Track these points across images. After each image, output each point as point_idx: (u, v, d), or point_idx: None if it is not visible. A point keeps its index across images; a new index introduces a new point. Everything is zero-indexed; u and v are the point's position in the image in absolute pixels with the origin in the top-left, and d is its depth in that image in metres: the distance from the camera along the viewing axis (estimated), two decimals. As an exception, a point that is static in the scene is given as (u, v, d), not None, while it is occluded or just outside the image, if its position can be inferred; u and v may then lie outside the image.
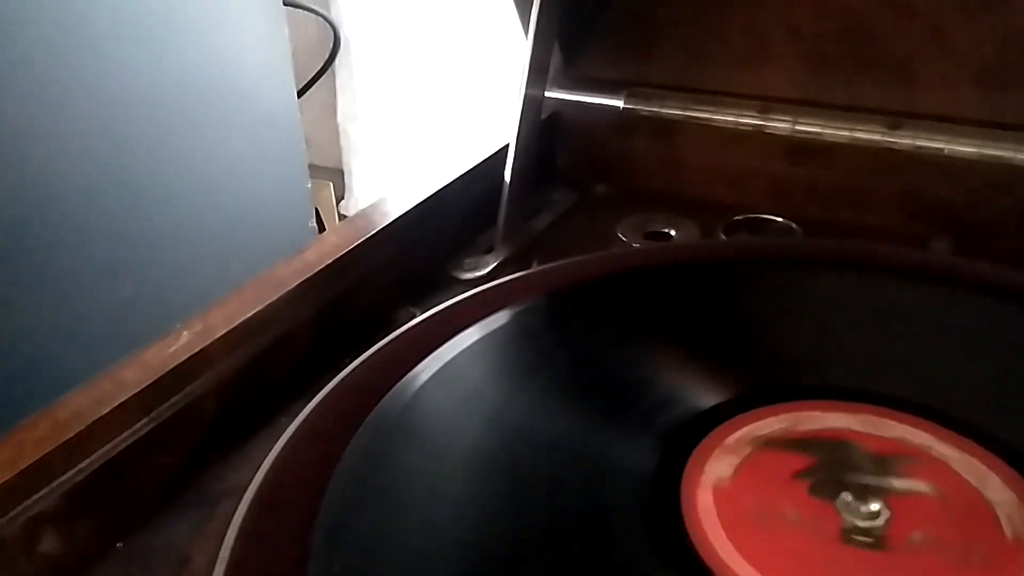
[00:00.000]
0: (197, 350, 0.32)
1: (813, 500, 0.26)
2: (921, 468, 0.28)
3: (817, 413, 0.30)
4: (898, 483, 0.27)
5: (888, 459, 0.28)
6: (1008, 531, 0.26)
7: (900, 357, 0.34)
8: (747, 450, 0.28)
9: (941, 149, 0.45)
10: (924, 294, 0.37)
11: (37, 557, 0.27)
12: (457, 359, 0.32)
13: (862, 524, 0.26)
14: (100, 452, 0.29)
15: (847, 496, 0.26)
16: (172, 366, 0.31)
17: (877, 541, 0.25)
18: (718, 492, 0.26)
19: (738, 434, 0.28)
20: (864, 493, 0.26)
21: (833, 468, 0.27)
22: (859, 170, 0.48)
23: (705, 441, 0.29)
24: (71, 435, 0.28)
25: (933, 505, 0.27)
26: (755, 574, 0.24)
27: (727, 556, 0.24)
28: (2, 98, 0.56)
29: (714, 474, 0.27)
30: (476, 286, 0.39)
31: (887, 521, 0.26)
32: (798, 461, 0.28)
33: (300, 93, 0.84)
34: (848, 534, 0.25)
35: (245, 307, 0.35)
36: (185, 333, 0.33)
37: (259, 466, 0.28)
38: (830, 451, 0.28)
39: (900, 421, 0.30)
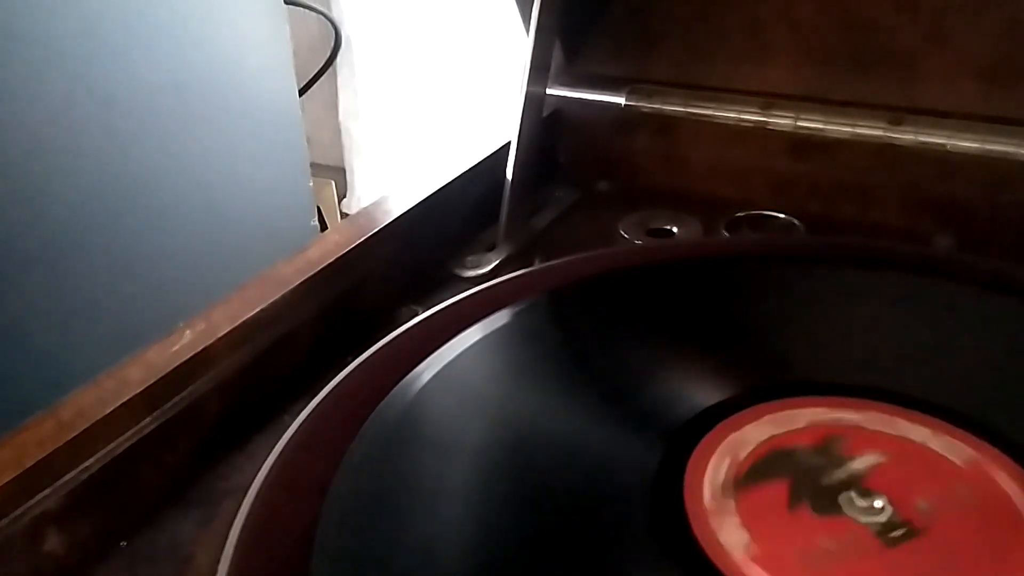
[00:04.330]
0: (200, 349, 0.32)
1: (826, 519, 0.26)
2: (853, 441, 0.29)
3: (737, 434, 0.30)
4: (857, 464, 0.28)
5: (825, 447, 0.29)
6: (957, 460, 0.28)
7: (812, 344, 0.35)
8: (731, 504, 0.27)
9: (943, 145, 0.45)
10: (926, 290, 0.37)
11: (41, 556, 0.27)
12: (460, 357, 0.32)
13: (883, 520, 0.26)
14: (103, 451, 0.29)
15: (849, 499, 0.26)
16: (175, 365, 0.31)
17: (909, 530, 0.25)
18: (761, 560, 0.25)
19: (708, 491, 0.27)
20: (851, 491, 0.27)
21: (806, 480, 0.28)
22: (861, 166, 0.48)
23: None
24: (74, 434, 0.28)
25: (897, 469, 0.28)
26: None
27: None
28: (3, 98, 0.56)
29: (738, 545, 0.26)
30: (478, 284, 0.39)
31: (892, 505, 0.26)
32: (776, 490, 0.27)
33: (302, 91, 0.84)
34: (884, 535, 0.26)
35: (247, 306, 0.35)
36: (188, 332, 0.33)
37: (262, 465, 0.28)
38: (785, 466, 0.28)
39: (795, 407, 0.30)
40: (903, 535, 0.25)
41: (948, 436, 0.29)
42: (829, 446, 0.29)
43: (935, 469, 0.28)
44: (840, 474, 0.28)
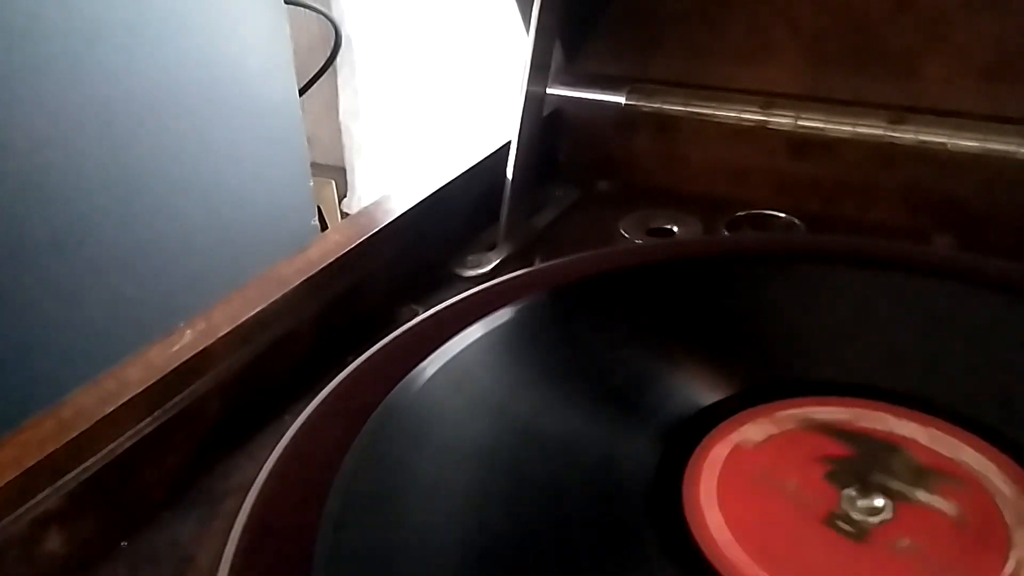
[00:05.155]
0: (200, 349, 0.32)
1: (823, 483, 0.27)
2: (960, 492, 0.27)
3: (882, 415, 0.29)
4: (922, 496, 0.26)
5: (931, 474, 0.27)
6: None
7: (951, 366, 0.33)
8: (790, 425, 0.28)
9: (944, 144, 0.45)
10: (925, 289, 0.37)
11: (42, 556, 0.28)
12: (460, 356, 0.32)
13: (855, 515, 0.26)
14: (104, 451, 0.29)
15: (855, 489, 0.26)
16: (175, 365, 0.31)
17: (859, 533, 0.25)
18: (736, 450, 0.27)
19: (791, 411, 0.28)
20: (878, 491, 0.26)
21: (865, 465, 0.27)
22: (862, 165, 0.48)
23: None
24: (75, 434, 0.28)
25: (943, 524, 0.26)
26: (726, 533, 0.25)
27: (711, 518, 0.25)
28: (4, 98, 0.56)
29: (745, 435, 0.27)
30: (479, 283, 0.39)
31: (883, 521, 0.26)
32: (835, 448, 0.28)
33: (302, 91, 0.84)
34: (833, 519, 0.26)
35: (248, 306, 0.35)
36: (188, 332, 0.33)
37: (263, 464, 0.28)
38: (874, 450, 0.28)
39: (971, 446, 0.28)
40: (847, 531, 0.25)
41: (942, 433, 0.29)
42: (933, 476, 0.28)
43: (977, 557, 0.26)
44: (896, 486, 0.27)
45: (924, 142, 0.45)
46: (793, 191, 0.50)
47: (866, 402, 0.30)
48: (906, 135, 0.46)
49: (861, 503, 0.26)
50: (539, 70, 0.48)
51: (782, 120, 0.49)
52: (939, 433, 0.29)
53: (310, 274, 0.37)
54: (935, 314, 0.36)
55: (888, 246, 0.42)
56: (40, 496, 0.27)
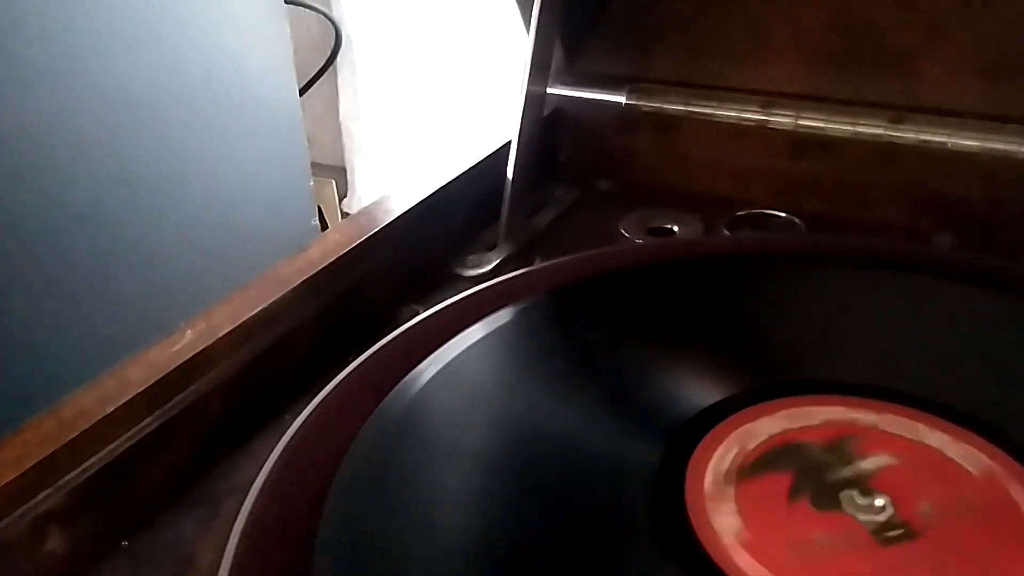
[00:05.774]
0: (201, 349, 0.32)
1: (824, 515, 0.26)
2: (867, 441, 0.29)
3: (749, 426, 0.30)
4: (866, 464, 0.28)
5: (838, 444, 0.29)
6: (971, 468, 0.28)
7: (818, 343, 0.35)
8: (730, 491, 0.27)
9: (944, 143, 0.45)
10: (935, 290, 0.37)
11: (43, 556, 0.28)
12: (460, 356, 0.32)
13: (881, 519, 0.26)
14: (105, 451, 0.29)
15: (851, 497, 0.26)
16: (176, 365, 0.31)
17: (907, 531, 0.25)
18: (749, 547, 0.25)
19: (710, 478, 0.28)
20: (855, 487, 0.27)
21: (810, 475, 0.28)
22: (862, 165, 0.48)
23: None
24: (76, 434, 0.28)
25: (906, 472, 0.28)
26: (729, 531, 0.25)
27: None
28: (5, 97, 0.56)
29: (729, 530, 0.26)
30: (479, 283, 0.39)
31: (894, 506, 0.26)
32: (778, 482, 0.28)
33: (302, 91, 0.84)
34: (880, 535, 0.25)
35: (248, 305, 0.35)
36: (189, 332, 0.33)
37: (263, 464, 0.28)
38: (792, 460, 0.28)
39: (812, 404, 0.30)
40: (899, 536, 0.25)
41: (966, 443, 0.29)
42: (841, 444, 0.29)
43: (946, 475, 0.27)
44: (846, 472, 0.27)
45: (924, 142, 0.45)
46: (793, 191, 0.50)
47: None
48: (906, 135, 0.46)
49: (870, 507, 0.26)
50: (539, 70, 0.48)
51: (782, 120, 0.49)
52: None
53: (310, 274, 0.37)
54: (936, 313, 0.36)
55: (888, 245, 0.42)
56: (40, 496, 0.27)
